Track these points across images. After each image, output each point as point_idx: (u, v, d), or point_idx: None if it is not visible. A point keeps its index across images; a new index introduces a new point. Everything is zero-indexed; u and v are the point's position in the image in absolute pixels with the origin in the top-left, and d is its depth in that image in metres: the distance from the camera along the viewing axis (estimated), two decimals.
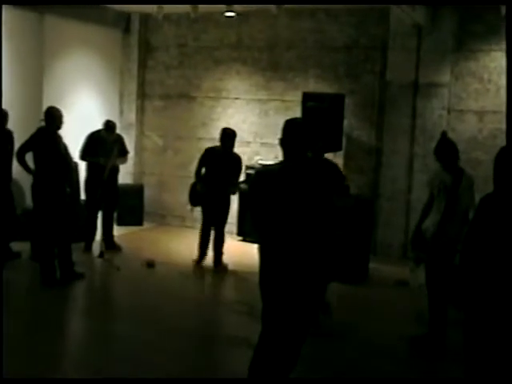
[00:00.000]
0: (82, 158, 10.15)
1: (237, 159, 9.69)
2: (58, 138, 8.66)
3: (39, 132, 8.75)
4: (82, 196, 10.54)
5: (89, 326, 7.49)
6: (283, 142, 4.88)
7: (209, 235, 9.78)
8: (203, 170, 9.71)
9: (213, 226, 9.74)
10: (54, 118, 8.59)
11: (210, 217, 9.72)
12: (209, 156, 9.69)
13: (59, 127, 8.59)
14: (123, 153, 10.59)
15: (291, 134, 4.84)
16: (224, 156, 9.60)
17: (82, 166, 10.32)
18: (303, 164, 4.83)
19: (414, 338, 7.01)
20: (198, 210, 9.93)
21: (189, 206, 9.87)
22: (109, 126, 10.28)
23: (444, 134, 7.19)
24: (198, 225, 11.63)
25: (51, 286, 8.44)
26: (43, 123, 9.11)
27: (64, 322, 7.60)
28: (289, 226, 4.70)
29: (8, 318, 6.42)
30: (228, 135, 9.58)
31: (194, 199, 9.72)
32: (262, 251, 4.88)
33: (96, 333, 7.22)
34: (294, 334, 4.85)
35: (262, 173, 5.11)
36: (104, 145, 10.04)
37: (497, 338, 3.99)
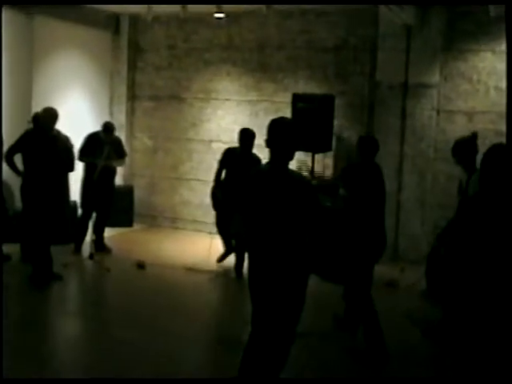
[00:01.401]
0: (80, 158, 10.15)
1: (256, 160, 9.20)
2: (53, 139, 8.64)
3: (27, 134, 8.74)
4: (77, 197, 10.51)
5: (79, 328, 7.48)
6: (269, 143, 4.87)
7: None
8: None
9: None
10: (43, 118, 8.62)
11: (224, 221, 9.48)
12: (228, 157, 9.44)
13: (49, 127, 8.61)
14: (121, 155, 10.57)
15: (277, 134, 4.83)
16: (243, 157, 9.27)
17: (80, 167, 10.29)
18: (287, 165, 4.84)
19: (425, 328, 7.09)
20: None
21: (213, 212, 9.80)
22: (107, 127, 10.26)
23: (475, 136, 7.13)
24: (189, 226, 11.67)
25: (41, 287, 8.41)
26: (31, 125, 9.14)
27: (55, 324, 7.56)
28: (274, 227, 4.72)
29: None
30: (248, 135, 9.32)
31: (217, 204, 9.57)
32: (249, 252, 4.91)
33: (86, 334, 7.22)
34: (281, 333, 4.86)
35: (252, 175, 5.14)
36: (102, 146, 10.01)
37: (482, 334, 4.01)
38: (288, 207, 4.74)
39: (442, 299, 7.03)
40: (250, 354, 4.93)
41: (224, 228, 9.61)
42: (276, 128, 4.86)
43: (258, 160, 9.22)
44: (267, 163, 4.93)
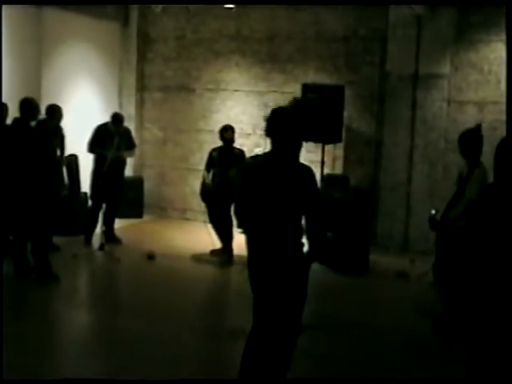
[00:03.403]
0: (90, 150, 10.15)
1: (239, 153, 9.81)
2: (33, 131, 8.53)
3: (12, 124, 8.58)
4: (87, 189, 10.50)
5: (89, 318, 7.50)
6: (269, 132, 4.82)
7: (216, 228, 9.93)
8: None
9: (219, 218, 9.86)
10: (27, 109, 8.49)
11: (215, 214, 9.87)
12: (212, 156, 9.94)
13: (32, 118, 8.50)
14: (130, 146, 10.57)
15: (276, 124, 4.79)
16: (225, 152, 9.79)
17: (90, 159, 10.29)
18: (288, 154, 4.78)
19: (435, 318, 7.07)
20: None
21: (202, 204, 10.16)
22: (116, 118, 10.24)
23: (479, 126, 7.13)
24: (199, 217, 11.68)
25: (25, 274, 8.37)
26: (43, 117, 9.13)
27: (65, 315, 7.57)
28: (273, 217, 4.69)
29: (9, 312, 6.44)
30: (224, 129, 9.88)
31: (203, 195, 9.98)
32: (248, 242, 4.88)
33: (96, 325, 7.24)
34: (284, 324, 4.81)
35: (249, 164, 5.13)
36: (111, 137, 10.01)
37: (495, 332, 3.98)
38: (286, 197, 4.70)
39: (444, 292, 7.02)
40: (252, 346, 4.90)
41: (216, 221, 9.78)
42: (275, 118, 4.82)
43: (240, 152, 9.84)
44: (266, 153, 4.90)
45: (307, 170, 4.80)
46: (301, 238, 4.80)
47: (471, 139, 6.98)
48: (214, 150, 9.96)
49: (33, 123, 8.64)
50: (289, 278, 4.76)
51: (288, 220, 4.73)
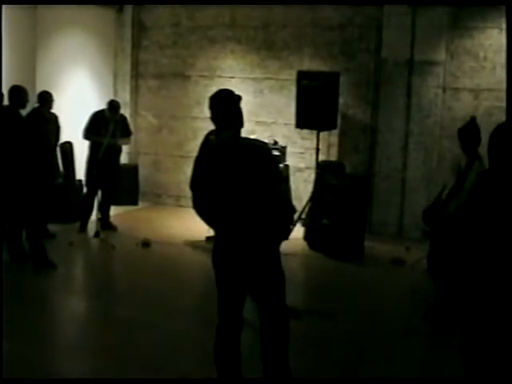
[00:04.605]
0: (85, 136, 10.15)
1: None
2: (23, 118, 8.48)
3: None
4: (82, 176, 10.50)
5: (84, 306, 7.51)
6: (214, 118, 4.73)
7: None
8: None
9: None
10: (15, 96, 8.44)
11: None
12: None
13: (21, 106, 8.48)
14: (126, 133, 10.56)
15: (221, 107, 4.70)
16: None
17: (86, 146, 10.28)
18: (237, 137, 4.72)
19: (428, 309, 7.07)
20: None
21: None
22: (112, 105, 10.22)
23: (473, 119, 7.14)
24: None
25: (21, 261, 8.39)
26: (36, 105, 9.10)
27: (60, 303, 7.60)
28: (237, 201, 4.63)
29: (5, 299, 6.44)
30: None
31: None
32: (217, 233, 4.84)
33: (92, 312, 7.25)
34: (270, 308, 4.77)
35: (203, 152, 5.11)
36: (107, 124, 10.00)
37: (492, 324, 3.98)
38: (247, 179, 4.63)
39: (438, 282, 7.03)
40: (228, 341, 4.81)
41: None
42: (218, 102, 4.73)
43: None
44: (218, 139, 4.82)
45: (264, 149, 4.81)
46: (270, 219, 4.68)
47: (469, 133, 6.97)
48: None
49: (26, 111, 8.63)
50: (266, 263, 4.71)
51: (254, 202, 4.62)
